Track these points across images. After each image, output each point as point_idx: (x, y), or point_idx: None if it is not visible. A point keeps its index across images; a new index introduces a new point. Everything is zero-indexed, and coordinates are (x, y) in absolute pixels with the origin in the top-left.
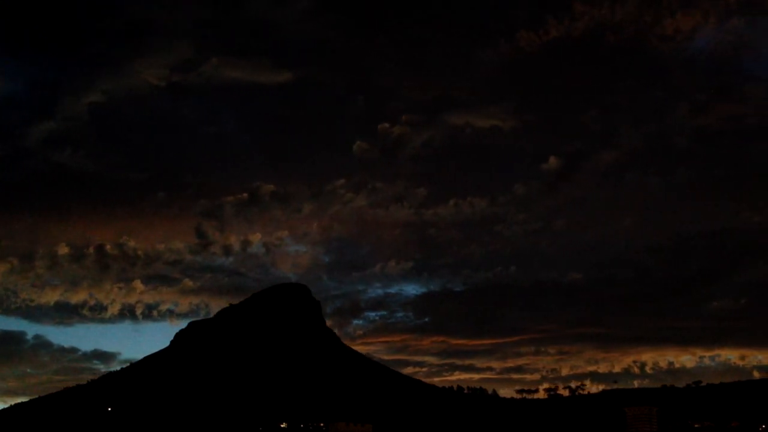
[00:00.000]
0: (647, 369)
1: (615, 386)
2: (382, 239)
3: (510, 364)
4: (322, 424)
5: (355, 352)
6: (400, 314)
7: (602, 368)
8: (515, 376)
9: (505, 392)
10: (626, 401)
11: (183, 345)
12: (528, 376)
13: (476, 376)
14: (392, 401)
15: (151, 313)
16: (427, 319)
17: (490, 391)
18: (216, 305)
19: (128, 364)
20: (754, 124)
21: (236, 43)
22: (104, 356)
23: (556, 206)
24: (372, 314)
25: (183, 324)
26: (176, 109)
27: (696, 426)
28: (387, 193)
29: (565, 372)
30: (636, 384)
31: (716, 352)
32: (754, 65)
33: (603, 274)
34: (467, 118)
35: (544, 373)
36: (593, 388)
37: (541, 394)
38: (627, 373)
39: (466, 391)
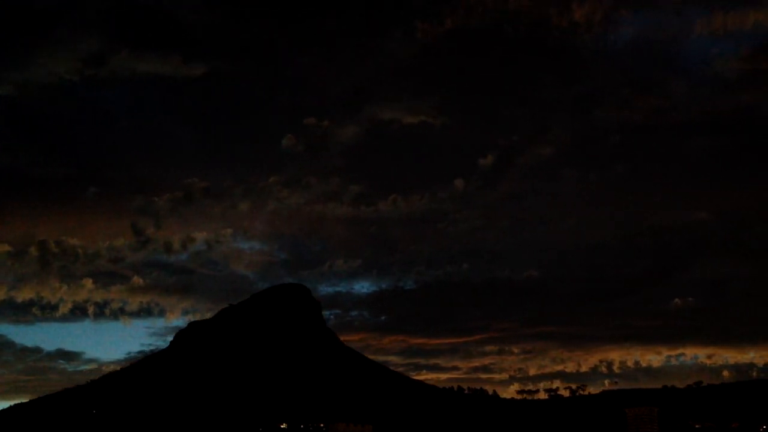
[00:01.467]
0: (615, 368)
1: (615, 386)
2: (327, 237)
3: (476, 363)
4: (322, 425)
5: (355, 352)
6: (354, 313)
7: (569, 368)
8: (483, 375)
9: (506, 393)
10: (627, 402)
11: (183, 345)
12: (496, 376)
13: (443, 376)
14: (392, 402)
15: (102, 311)
16: (383, 318)
17: (490, 392)
18: (167, 304)
19: (130, 363)
20: (679, 119)
21: (145, 36)
22: (69, 356)
23: (497, 203)
24: (326, 313)
25: (136, 322)
26: (92, 102)
27: (697, 426)
28: (321, 189)
29: (533, 371)
30: (607, 384)
31: (680, 351)
32: (676, 59)
33: (556, 272)
34: (393, 113)
35: (511, 373)
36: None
37: (542, 395)
38: (595, 372)
39: (466, 392)
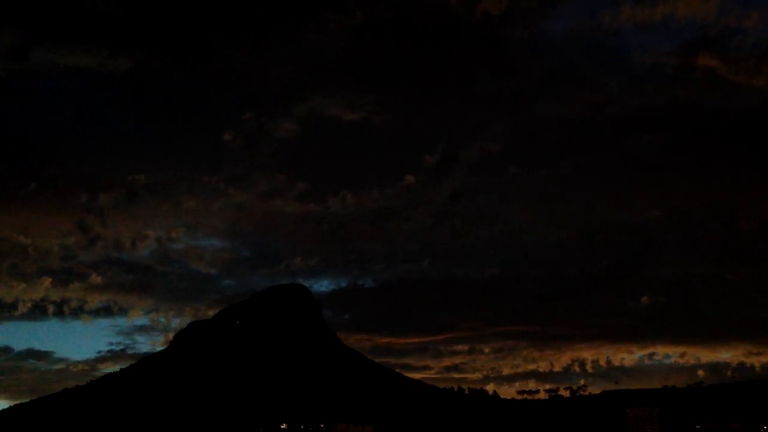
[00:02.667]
0: (588, 368)
1: (615, 387)
2: (280, 235)
3: (447, 363)
4: (322, 425)
5: (356, 352)
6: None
7: (542, 367)
8: (456, 375)
9: (505, 393)
10: (627, 402)
11: (183, 345)
12: (469, 376)
13: (416, 376)
14: (393, 402)
15: (61, 310)
16: (347, 317)
17: (491, 392)
18: (126, 302)
19: (130, 364)
20: (617, 114)
21: (69, 29)
22: (39, 355)
23: (447, 200)
24: None
25: (98, 321)
26: (20, 96)
27: (697, 427)
28: (268, 186)
29: (506, 371)
30: (582, 383)
31: (651, 350)
32: (611, 52)
33: (517, 270)
34: (332, 109)
35: (485, 372)
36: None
37: (542, 395)
38: (569, 371)
39: (466, 392)
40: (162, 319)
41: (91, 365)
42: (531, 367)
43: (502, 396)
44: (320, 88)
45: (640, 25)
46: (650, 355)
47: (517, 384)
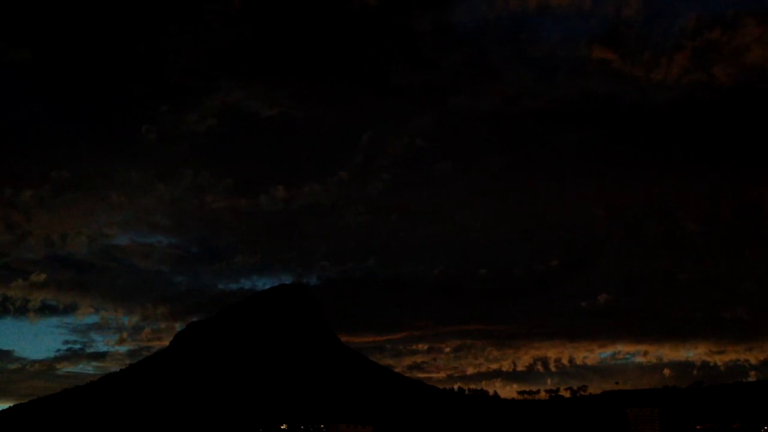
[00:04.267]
0: (551, 367)
1: (616, 387)
2: (218, 231)
3: (408, 362)
4: (322, 426)
5: (356, 352)
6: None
7: (506, 366)
8: (420, 374)
9: (506, 393)
10: (628, 402)
11: (183, 345)
12: (434, 375)
13: None
14: (393, 403)
15: (6, 307)
16: None
17: (491, 393)
18: (69, 300)
19: (128, 365)
20: (530, 107)
21: None
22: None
23: (380, 196)
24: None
25: (44, 320)
26: None
27: (698, 427)
28: (193, 180)
29: (470, 371)
30: (549, 382)
31: (611, 348)
32: (524, 46)
33: (465, 268)
34: (249, 104)
35: (449, 372)
36: (593, 389)
37: (543, 396)
38: (533, 371)
39: (467, 393)
40: (112, 318)
41: (49, 364)
42: (494, 366)
43: (502, 396)
44: (233, 82)
45: (548, 14)
46: (613, 354)
47: (483, 383)
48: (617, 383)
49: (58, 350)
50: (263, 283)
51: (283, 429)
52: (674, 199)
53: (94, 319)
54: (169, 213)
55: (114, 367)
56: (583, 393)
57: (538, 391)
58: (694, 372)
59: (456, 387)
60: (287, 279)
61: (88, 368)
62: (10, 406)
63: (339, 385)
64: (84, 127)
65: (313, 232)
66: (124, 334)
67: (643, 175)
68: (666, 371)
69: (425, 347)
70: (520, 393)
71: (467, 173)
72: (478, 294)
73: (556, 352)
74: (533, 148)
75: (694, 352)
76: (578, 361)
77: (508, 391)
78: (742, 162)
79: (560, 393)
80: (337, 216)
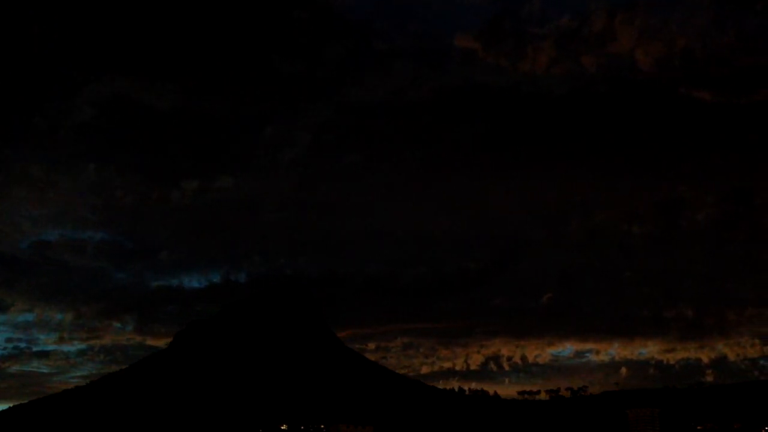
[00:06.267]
0: (504, 365)
1: (616, 387)
2: (137, 227)
3: None
4: (322, 426)
5: (356, 352)
6: (198, 308)
7: (458, 365)
8: None
9: (506, 393)
10: (628, 403)
11: (183, 345)
12: None
13: None
14: (393, 403)
15: None
16: None
17: (491, 393)
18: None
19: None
20: (416, 98)
21: None
22: None
23: (293, 192)
24: (171, 308)
25: None
26: None
27: (698, 428)
28: (100, 175)
29: (425, 370)
30: (507, 381)
31: (559, 347)
32: (408, 34)
33: (397, 267)
34: (138, 95)
35: (403, 372)
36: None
37: (543, 396)
38: (486, 369)
39: (467, 393)
40: (47, 316)
41: None
42: (447, 365)
43: (502, 396)
44: (117, 72)
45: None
46: (565, 353)
47: (440, 382)
48: (617, 383)
49: (5, 348)
50: (189, 281)
51: (283, 429)
52: (594, 196)
53: (29, 317)
54: (86, 208)
55: (67, 367)
56: (583, 393)
57: (538, 392)
58: (651, 371)
59: (456, 387)
60: (215, 276)
61: (42, 368)
62: (9, 407)
63: (339, 385)
64: None
65: (235, 227)
66: (64, 333)
67: (557, 173)
68: (623, 370)
69: (373, 346)
70: (520, 393)
71: (379, 168)
72: (413, 292)
73: (508, 351)
74: (434, 142)
75: (645, 350)
76: (530, 360)
77: (509, 392)
78: (657, 158)
79: (561, 393)
80: (255, 211)
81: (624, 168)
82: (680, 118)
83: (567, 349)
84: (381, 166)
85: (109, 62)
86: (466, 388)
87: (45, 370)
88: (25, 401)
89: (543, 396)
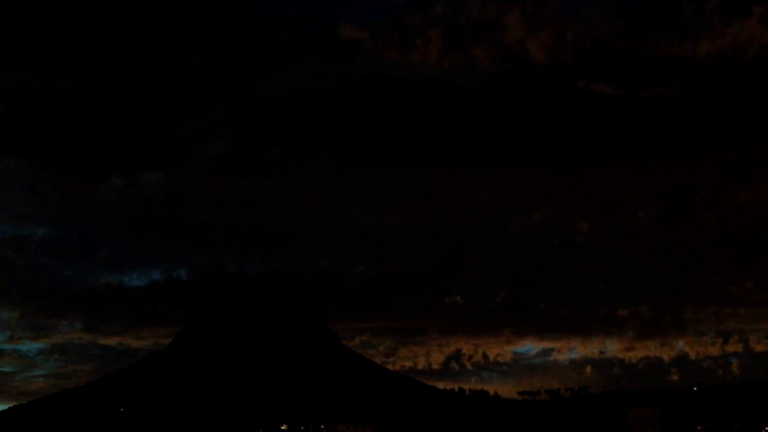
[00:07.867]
0: (467, 365)
1: (616, 387)
2: (70, 222)
3: None
4: (322, 426)
5: (356, 353)
6: (145, 307)
7: (420, 364)
8: None
9: (506, 393)
10: (628, 403)
11: (183, 345)
12: None
13: None
14: (393, 403)
15: None
16: (180, 311)
17: (491, 393)
18: None
19: (129, 365)
20: (323, 91)
21: None
22: None
23: (228, 187)
24: (117, 307)
25: None
26: None
27: (699, 428)
28: (19, 170)
29: (389, 369)
30: (474, 380)
31: (518, 345)
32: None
33: (344, 265)
34: (51, 91)
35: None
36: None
37: (543, 396)
38: (449, 369)
39: (467, 393)
40: None
41: None
42: (408, 364)
43: (503, 396)
44: (25, 66)
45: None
46: (526, 351)
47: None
48: (617, 384)
49: None
50: (130, 279)
51: (283, 429)
52: (531, 193)
53: None
54: (21, 203)
55: (24, 366)
56: (583, 393)
57: (538, 391)
58: (614, 370)
59: (456, 387)
60: (156, 274)
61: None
62: (9, 407)
63: (339, 385)
64: None
65: (168, 223)
66: (16, 332)
67: (488, 168)
68: (588, 369)
69: None
70: (520, 393)
71: (305, 161)
72: (362, 290)
73: (468, 350)
74: (351, 135)
75: (606, 349)
76: (492, 358)
77: (509, 392)
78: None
79: (561, 393)
80: (186, 207)
81: (552, 164)
82: (581, 113)
83: (527, 347)
84: (306, 159)
85: (13, 56)
86: (466, 388)
87: (7, 369)
88: (25, 402)
89: (543, 396)
